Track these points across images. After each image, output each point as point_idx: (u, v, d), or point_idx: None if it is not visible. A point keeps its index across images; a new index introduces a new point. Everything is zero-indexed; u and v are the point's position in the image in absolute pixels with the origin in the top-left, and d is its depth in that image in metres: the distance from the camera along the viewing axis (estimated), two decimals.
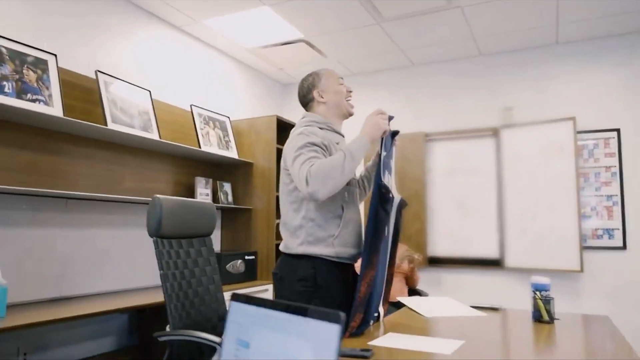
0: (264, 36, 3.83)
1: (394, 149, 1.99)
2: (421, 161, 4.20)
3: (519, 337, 1.70)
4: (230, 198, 3.84)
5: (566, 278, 3.65)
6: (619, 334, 1.69)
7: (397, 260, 3.39)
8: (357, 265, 1.83)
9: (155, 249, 1.98)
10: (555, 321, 1.90)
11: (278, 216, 3.78)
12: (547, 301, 1.94)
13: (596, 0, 3.20)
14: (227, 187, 3.84)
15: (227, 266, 3.30)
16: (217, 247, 3.87)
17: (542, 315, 1.91)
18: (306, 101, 2.04)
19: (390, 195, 1.74)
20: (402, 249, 3.44)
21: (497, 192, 3.92)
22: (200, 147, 3.43)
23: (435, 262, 4.10)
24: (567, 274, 3.63)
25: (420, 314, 2.02)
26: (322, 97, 1.99)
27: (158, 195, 2.01)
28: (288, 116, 4.48)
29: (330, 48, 4.07)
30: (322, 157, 1.75)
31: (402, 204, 1.99)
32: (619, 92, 3.66)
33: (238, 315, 0.85)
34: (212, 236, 2.33)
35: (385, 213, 1.74)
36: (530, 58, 3.98)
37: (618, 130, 3.62)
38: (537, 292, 1.96)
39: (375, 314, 1.83)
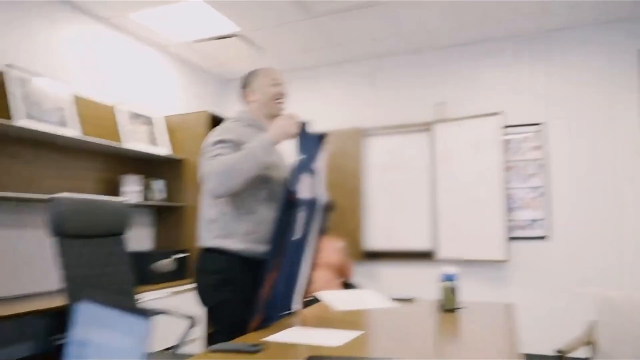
0: (198, 30, 3.75)
1: (320, 152, 2.02)
2: (358, 157, 4.24)
3: (417, 326, 1.74)
4: (163, 195, 3.76)
5: (493, 267, 3.77)
6: (512, 323, 1.75)
7: (333, 255, 3.43)
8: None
9: (56, 249, 1.90)
10: (459, 310, 1.96)
11: None
12: (453, 290, 1.99)
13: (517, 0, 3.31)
14: (160, 184, 3.75)
15: (154, 265, 3.22)
16: (148, 245, 3.78)
17: (447, 304, 1.96)
18: (242, 97, 2.08)
19: (298, 199, 1.76)
20: (335, 243, 3.47)
21: (430, 186, 4.01)
22: (122, 144, 3.33)
23: (372, 256, 4.15)
24: (494, 264, 3.75)
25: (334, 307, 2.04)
26: (252, 96, 2.02)
27: (58, 195, 1.93)
28: (231, 112, 4.42)
29: (267, 43, 4.05)
30: (229, 154, 1.76)
31: (328, 206, 2.05)
32: (543, 87, 3.80)
33: None
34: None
35: (290, 216, 1.76)
36: (461, 55, 4.08)
37: (543, 124, 3.76)
38: (445, 282, 2.02)
39: (287, 312, 1.85)
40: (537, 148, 3.78)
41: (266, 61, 4.38)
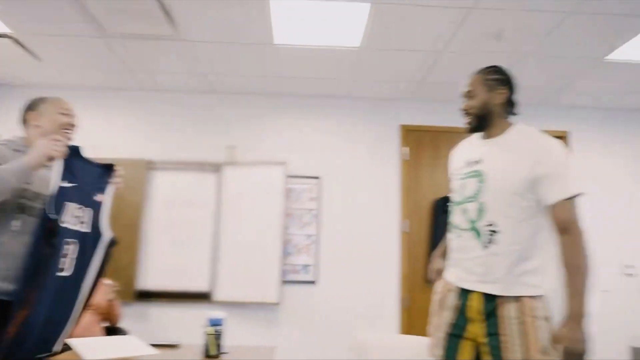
0: None
1: (105, 184, 1.92)
2: (142, 190, 4.01)
3: None
4: None
5: (266, 310, 3.91)
6: None
7: (97, 295, 3.08)
8: None
9: None
10: (222, 355, 1.96)
11: None
12: (218, 336, 1.99)
13: (313, 62, 3.66)
14: None
15: None
16: None
17: (210, 350, 1.94)
18: (23, 121, 1.93)
19: (62, 228, 1.59)
20: (101, 282, 3.15)
21: (214, 226, 4.00)
22: None
23: (145, 296, 3.89)
24: (267, 306, 3.89)
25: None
26: (37, 120, 1.88)
27: None
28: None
29: (46, 52, 3.60)
30: None
31: (112, 243, 1.92)
32: (322, 145, 4.23)
33: None
34: None
35: (49, 247, 1.57)
36: (255, 103, 4.29)
37: (319, 178, 4.16)
38: (210, 327, 2.00)
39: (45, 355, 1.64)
40: (313, 199, 4.15)
41: (44, 72, 3.90)
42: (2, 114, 3.90)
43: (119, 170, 2.01)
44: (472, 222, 1.72)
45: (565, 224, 1.63)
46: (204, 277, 3.93)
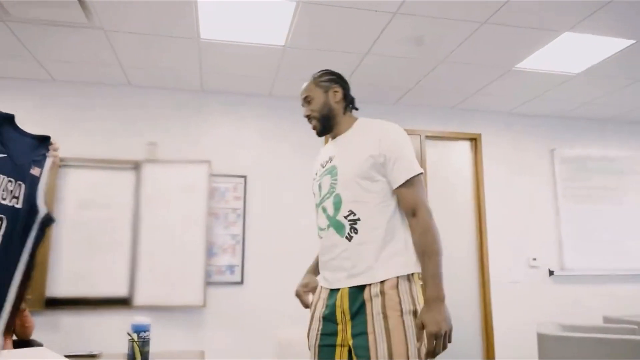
0: None
1: (41, 157, 1.69)
2: (51, 189, 3.70)
3: None
4: None
5: (191, 313, 3.79)
6: None
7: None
8: None
9: None
10: None
11: None
12: (144, 343, 1.89)
13: (239, 60, 3.59)
14: None
15: None
16: None
17: (136, 358, 1.84)
18: None
19: None
20: None
21: (133, 227, 3.80)
22: None
23: (55, 303, 3.60)
24: (192, 309, 3.77)
25: None
26: None
27: None
28: None
29: None
30: None
31: (47, 220, 1.67)
32: (247, 143, 4.18)
33: None
34: None
35: None
36: (179, 99, 4.13)
37: (245, 177, 4.10)
38: (134, 334, 1.90)
39: None
40: (239, 198, 4.08)
41: None
42: None
43: (55, 143, 1.78)
44: (331, 217, 1.71)
45: (412, 206, 1.63)
46: (123, 281, 3.72)
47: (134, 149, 3.95)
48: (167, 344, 3.34)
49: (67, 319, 3.64)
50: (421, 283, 1.61)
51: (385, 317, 1.54)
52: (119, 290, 3.71)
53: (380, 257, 1.61)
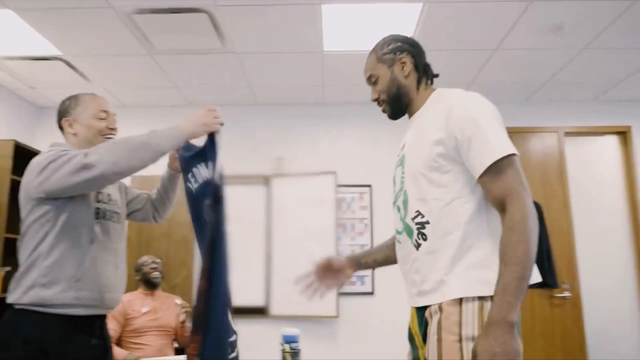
0: (8, 45, 3.20)
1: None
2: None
3: None
4: None
5: (324, 324, 3.81)
6: None
7: (169, 315, 3.01)
8: None
9: None
10: None
11: (5, 262, 3.07)
12: (295, 353, 1.90)
13: (360, 69, 3.59)
14: None
15: None
16: None
17: None
18: (60, 127, 1.78)
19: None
20: (172, 300, 3.10)
21: (266, 240, 3.94)
22: None
23: None
24: (325, 320, 3.79)
25: None
26: (72, 128, 1.72)
27: None
28: (43, 145, 3.78)
29: (96, 72, 3.64)
30: None
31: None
32: (372, 152, 4.13)
33: None
34: None
35: (219, 215, 1.55)
36: (301, 113, 4.23)
37: (370, 186, 4.05)
38: (286, 345, 1.91)
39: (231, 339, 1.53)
40: (365, 208, 4.04)
41: (95, 92, 3.93)
42: (54, 136, 3.95)
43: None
44: (403, 220, 1.38)
45: (500, 199, 1.20)
46: (259, 291, 3.87)
47: (263, 164, 4.11)
48: (302, 354, 3.38)
49: None
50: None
51: (439, 340, 1.20)
52: (256, 300, 3.85)
53: (455, 269, 1.24)
